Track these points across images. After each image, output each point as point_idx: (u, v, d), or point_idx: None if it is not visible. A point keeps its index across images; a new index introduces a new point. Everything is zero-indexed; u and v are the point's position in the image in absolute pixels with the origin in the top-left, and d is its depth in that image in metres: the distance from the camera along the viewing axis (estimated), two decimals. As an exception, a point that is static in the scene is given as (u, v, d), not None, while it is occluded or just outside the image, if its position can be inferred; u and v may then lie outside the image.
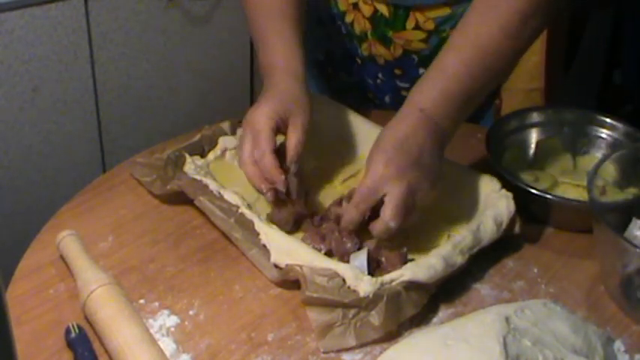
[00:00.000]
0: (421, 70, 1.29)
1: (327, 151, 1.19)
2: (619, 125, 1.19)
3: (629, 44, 2.18)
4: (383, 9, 1.23)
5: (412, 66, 1.29)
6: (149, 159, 1.14)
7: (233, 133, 1.19)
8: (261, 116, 1.04)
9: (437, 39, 1.24)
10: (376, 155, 0.99)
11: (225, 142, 1.17)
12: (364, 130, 1.18)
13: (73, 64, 1.78)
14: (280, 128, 1.05)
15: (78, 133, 1.86)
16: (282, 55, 1.12)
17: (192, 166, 1.10)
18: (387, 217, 0.96)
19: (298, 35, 1.14)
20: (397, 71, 1.32)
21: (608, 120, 1.20)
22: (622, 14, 2.29)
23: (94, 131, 1.89)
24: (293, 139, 1.05)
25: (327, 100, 1.24)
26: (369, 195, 0.97)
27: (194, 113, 2.07)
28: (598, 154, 1.18)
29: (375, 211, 0.98)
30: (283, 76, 1.10)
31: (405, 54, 1.27)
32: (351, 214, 0.99)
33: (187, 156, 1.12)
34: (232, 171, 1.12)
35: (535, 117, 1.23)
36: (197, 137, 1.17)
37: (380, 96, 1.38)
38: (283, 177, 1.02)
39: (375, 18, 1.24)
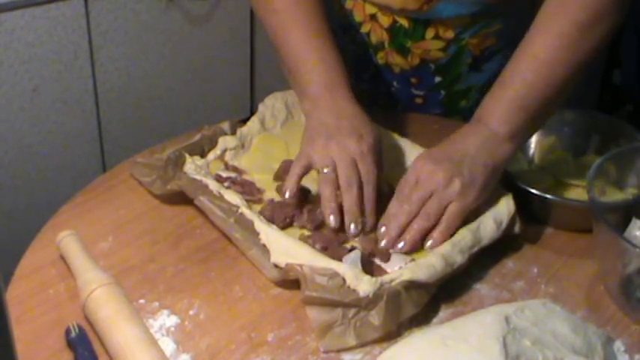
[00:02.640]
0: (437, 79, 1.28)
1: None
2: (619, 125, 1.19)
3: (629, 44, 2.18)
4: (402, 20, 1.21)
5: (428, 74, 1.28)
6: (149, 159, 1.14)
7: (233, 133, 1.19)
8: (372, 152, 1.03)
9: (455, 47, 1.23)
10: (422, 152, 1.05)
11: (225, 142, 1.17)
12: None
13: (73, 64, 1.78)
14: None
15: (78, 133, 1.86)
16: (326, 75, 1.10)
17: (192, 166, 1.10)
18: (422, 211, 1.00)
19: (336, 48, 1.12)
20: (413, 80, 1.30)
21: (608, 120, 1.20)
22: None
23: (94, 131, 1.90)
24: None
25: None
26: (405, 186, 1.01)
27: (194, 113, 2.07)
28: (598, 154, 1.18)
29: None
30: (351, 100, 1.09)
31: (421, 63, 1.26)
32: (392, 210, 1.02)
33: (187, 156, 1.12)
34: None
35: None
36: (197, 137, 1.17)
37: (392, 103, 1.37)
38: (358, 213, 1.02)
39: (393, 29, 1.23)
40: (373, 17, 1.24)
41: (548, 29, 1.03)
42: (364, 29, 1.27)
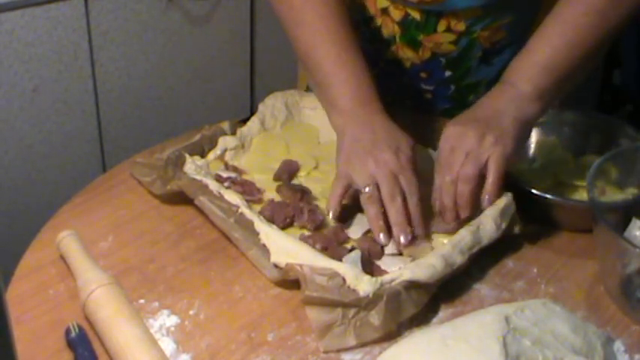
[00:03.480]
0: (447, 73, 1.29)
1: (327, 152, 1.19)
2: (619, 125, 1.19)
3: (629, 44, 2.18)
4: (414, 12, 1.21)
5: (439, 68, 1.28)
6: (149, 159, 1.14)
7: (233, 133, 1.19)
8: (410, 164, 1.03)
9: (467, 40, 1.23)
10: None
11: (225, 142, 1.17)
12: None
13: (73, 64, 1.78)
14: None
15: (78, 133, 1.87)
16: (358, 90, 1.09)
17: (192, 166, 1.10)
18: (462, 174, 1.02)
19: (364, 61, 1.12)
20: (423, 74, 1.30)
21: (608, 120, 1.20)
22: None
23: (94, 131, 1.90)
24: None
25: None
26: (442, 157, 1.03)
27: (194, 113, 2.07)
28: (598, 155, 1.18)
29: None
30: (381, 114, 1.09)
31: (432, 57, 1.26)
32: (438, 183, 1.04)
33: (187, 156, 1.12)
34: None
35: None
36: (197, 137, 1.17)
37: (400, 99, 1.37)
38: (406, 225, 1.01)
39: (405, 22, 1.23)
40: (384, 11, 1.24)
41: (575, 1, 1.06)
42: (375, 24, 1.27)
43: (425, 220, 1.02)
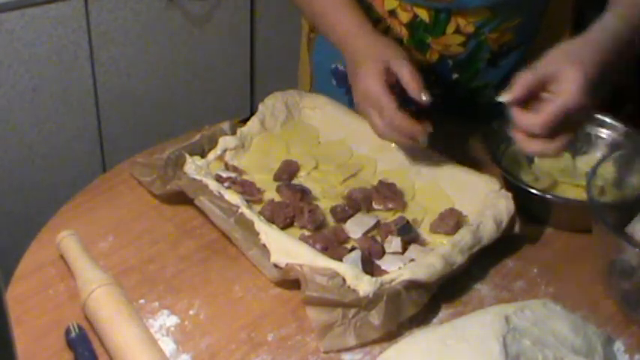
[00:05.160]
0: (455, 75, 1.28)
1: (327, 152, 1.19)
2: (619, 125, 1.19)
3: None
4: (423, 14, 1.21)
5: (446, 71, 1.28)
6: (149, 159, 1.14)
7: (233, 133, 1.19)
8: (373, 83, 1.07)
9: (475, 42, 1.23)
10: (578, 73, 0.96)
11: (225, 142, 1.17)
12: (364, 130, 1.18)
13: (73, 64, 1.78)
14: (389, 79, 1.08)
15: (78, 133, 1.87)
16: (352, 21, 1.15)
17: (192, 166, 1.10)
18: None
19: (358, 7, 1.18)
20: (431, 77, 1.28)
21: (608, 120, 1.20)
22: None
23: (94, 131, 1.90)
24: (406, 75, 1.08)
25: (326, 100, 1.24)
26: (558, 114, 0.96)
27: (194, 113, 2.07)
28: (598, 154, 1.18)
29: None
30: (364, 36, 1.13)
31: (440, 59, 1.26)
32: (532, 120, 0.97)
33: (187, 156, 1.12)
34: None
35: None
36: (197, 137, 1.17)
37: (406, 105, 1.36)
38: (419, 127, 1.06)
39: (413, 24, 1.22)
40: (392, 13, 1.24)
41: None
42: (382, 27, 1.27)
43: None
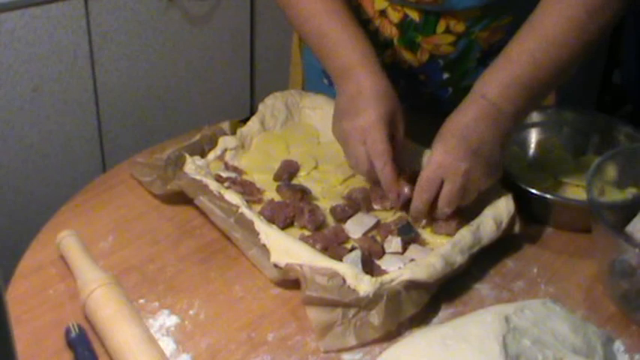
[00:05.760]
0: (445, 75, 1.28)
1: (327, 152, 1.19)
2: (619, 125, 1.19)
3: (629, 44, 2.18)
4: (413, 14, 1.21)
5: (436, 71, 1.28)
6: (149, 159, 1.14)
7: (233, 133, 1.19)
8: (376, 123, 1.06)
9: (466, 41, 1.23)
10: (437, 144, 1.04)
11: (225, 142, 1.17)
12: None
13: (73, 64, 1.78)
14: (391, 130, 1.08)
15: (78, 133, 1.86)
16: (356, 52, 1.12)
17: (192, 166, 1.10)
18: (442, 204, 1.03)
19: (360, 28, 1.15)
20: (421, 77, 1.30)
21: (608, 120, 1.20)
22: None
23: (94, 131, 1.90)
24: (400, 134, 1.10)
25: (326, 100, 1.24)
26: (429, 185, 1.03)
27: (194, 113, 2.07)
28: (598, 154, 1.18)
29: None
30: (372, 75, 1.10)
31: (430, 59, 1.26)
32: (416, 204, 1.04)
33: (187, 156, 1.12)
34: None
35: (535, 117, 1.23)
36: (197, 137, 1.17)
37: (402, 100, 1.36)
38: (396, 191, 1.06)
39: (404, 24, 1.22)
40: (382, 13, 1.24)
41: (557, 12, 1.04)
42: (372, 27, 1.27)
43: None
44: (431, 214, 1.05)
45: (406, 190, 1.05)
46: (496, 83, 1.04)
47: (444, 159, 1.02)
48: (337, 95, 1.12)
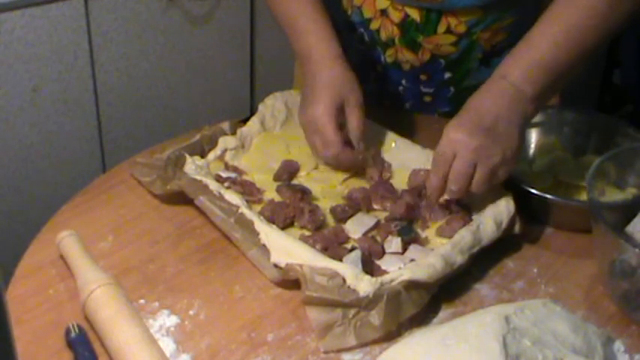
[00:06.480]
0: (447, 75, 1.28)
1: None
2: (619, 125, 1.19)
3: (629, 44, 2.18)
4: (414, 13, 1.21)
5: (438, 70, 1.28)
6: (149, 159, 1.14)
7: (233, 133, 1.19)
8: (323, 115, 1.10)
9: (467, 42, 1.23)
10: (452, 120, 1.04)
11: (225, 142, 1.17)
12: (364, 130, 1.18)
13: (73, 64, 1.78)
14: (340, 117, 1.11)
15: (78, 133, 1.86)
16: (318, 38, 1.15)
17: (192, 166, 1.10)
18: (450, 180, 1.02)
19: (327, 16, 1.18)
20: (422, 76, 1.30)
21: (608, 120, 1.20)
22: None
23: (94, 131, 1.89)
24: (354, 122, 1.12)
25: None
26: (441, 159, 1.02)
27: (194, 113, 2.07)
28: (598, 154, 1.18)
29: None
30: (326, 61, 1.14)
31: (432, 59, 1.26)
32: (431, 182, 1.04)
33: (187, 156, 1.12)
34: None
35: (535, 117, 1.23)
36: (197, 137, 1.17)
37: (399, 104, 1.36)
38: (357, 156, 1.12)
39: (405, 24, 1.23)
40: (384, 13, 1.24)
41: (576, 2, 1.05)
42: (373, 26, 1.26)
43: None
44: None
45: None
46: (517, 65, 1.05)
47: (455, 134, 1.01)
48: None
